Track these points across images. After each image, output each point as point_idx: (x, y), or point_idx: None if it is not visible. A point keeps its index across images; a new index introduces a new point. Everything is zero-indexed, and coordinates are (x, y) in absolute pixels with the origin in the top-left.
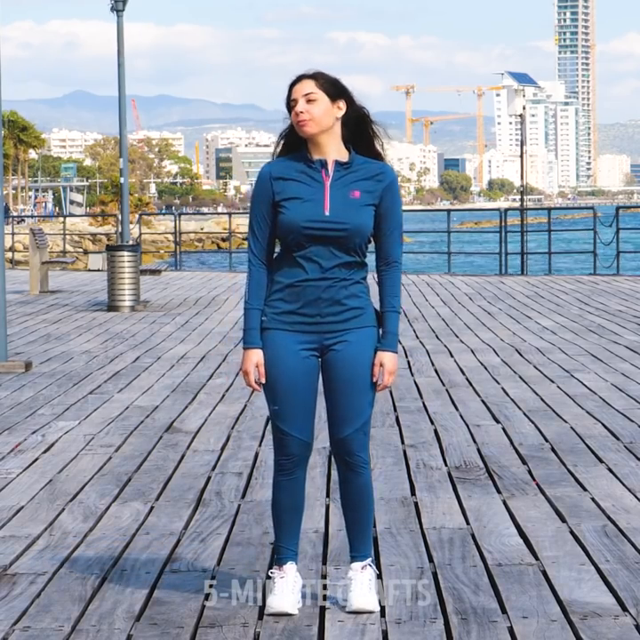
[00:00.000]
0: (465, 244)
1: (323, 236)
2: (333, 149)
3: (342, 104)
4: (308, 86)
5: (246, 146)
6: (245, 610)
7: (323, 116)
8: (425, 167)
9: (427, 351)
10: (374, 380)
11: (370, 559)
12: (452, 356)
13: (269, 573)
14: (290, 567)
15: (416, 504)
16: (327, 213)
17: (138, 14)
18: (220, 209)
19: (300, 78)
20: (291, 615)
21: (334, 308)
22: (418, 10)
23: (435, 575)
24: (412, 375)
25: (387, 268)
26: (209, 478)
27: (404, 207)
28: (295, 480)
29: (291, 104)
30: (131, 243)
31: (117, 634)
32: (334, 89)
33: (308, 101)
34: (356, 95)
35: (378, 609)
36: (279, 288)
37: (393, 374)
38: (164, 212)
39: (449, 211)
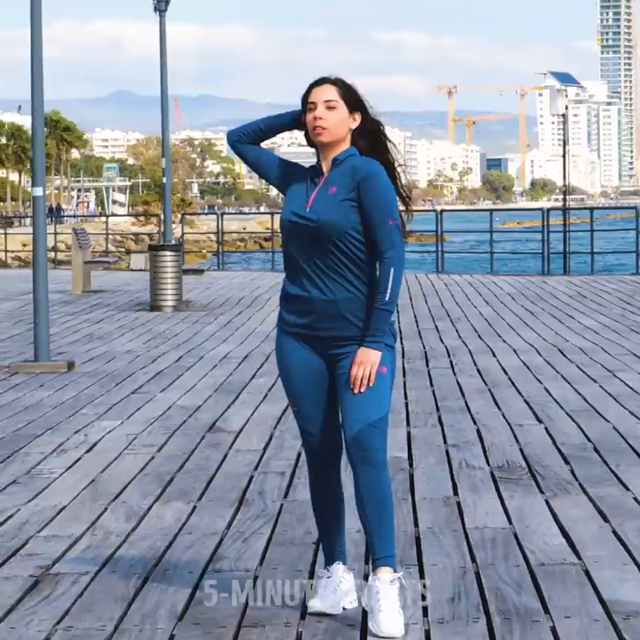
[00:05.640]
0: (507, 244)
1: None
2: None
3: (358, 116)
4: (330, 93)
5: (289, 145)
6: (288, 610)
7: (338, 126)
8: (467, 167)
9: (469, 351)
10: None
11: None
12: (494, 355)
13: (319, 573)
14: (336, 567)
15: (458, 504)
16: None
17: (181, 14)
18: (262, 209)
19: (322, 81)
20: (332, 615)
21: None
22: (461, 10)
23: (477, 575)
24: (455, 375)
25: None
26: (251, 478)
27: (447, 206)
28: (324, 479)
29: (308, 106)
30: (173, 242)
31: (160, 634)
32: (353, 100)
33: (328, 108)
34: (370, 107)
35: (403, 632)
36: None
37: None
38: (206, 211)
39: (491, 211)
